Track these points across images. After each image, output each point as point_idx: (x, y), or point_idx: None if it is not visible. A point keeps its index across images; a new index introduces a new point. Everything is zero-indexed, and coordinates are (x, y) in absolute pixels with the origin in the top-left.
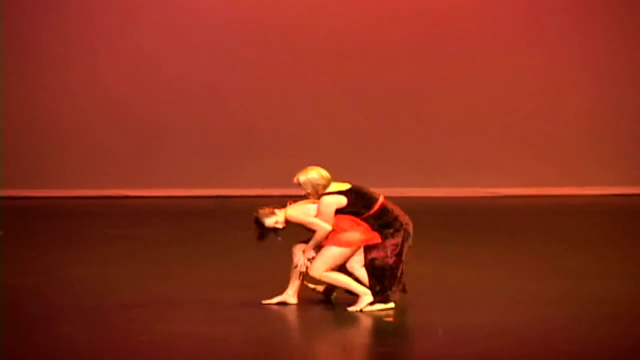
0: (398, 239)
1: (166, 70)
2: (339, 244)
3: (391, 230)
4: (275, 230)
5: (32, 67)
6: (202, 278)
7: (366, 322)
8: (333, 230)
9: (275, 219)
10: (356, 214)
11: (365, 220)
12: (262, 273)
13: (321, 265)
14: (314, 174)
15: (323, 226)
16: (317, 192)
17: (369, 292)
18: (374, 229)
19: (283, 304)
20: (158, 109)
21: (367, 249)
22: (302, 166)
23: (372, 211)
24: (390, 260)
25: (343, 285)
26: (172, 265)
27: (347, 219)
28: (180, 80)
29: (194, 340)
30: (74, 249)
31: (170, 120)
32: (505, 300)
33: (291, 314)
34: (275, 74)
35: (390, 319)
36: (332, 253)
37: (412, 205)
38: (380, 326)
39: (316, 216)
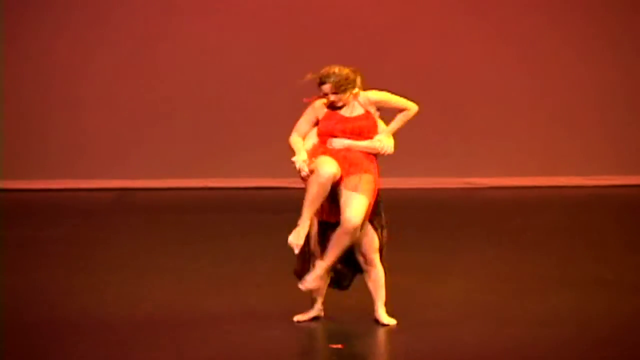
0: None
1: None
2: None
3: None
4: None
5: None
6: (110, 294)
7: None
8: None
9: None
10: None
11: None
12: (175, 288)
13: (361, 213)
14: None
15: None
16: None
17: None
18: None
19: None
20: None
21: None
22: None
23: None
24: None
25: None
26: (75, 277)
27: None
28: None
29: None
30: None
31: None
32: (490, 319)
33: (216, 335)
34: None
35: (339, 346)
36: (366, 201)
37: None
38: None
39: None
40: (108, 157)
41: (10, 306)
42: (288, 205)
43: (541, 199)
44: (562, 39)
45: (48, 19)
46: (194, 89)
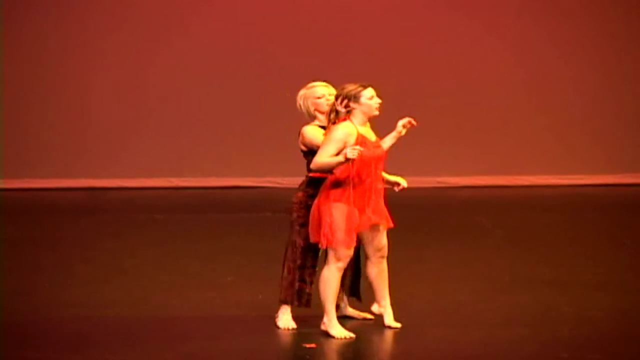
0: None
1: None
2: None
3: None
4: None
5: None
6: (73, 294)
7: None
8: None
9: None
10: None
11: None
12: (147, 288)
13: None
14: None
15: None
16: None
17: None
18: None
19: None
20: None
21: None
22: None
23: None
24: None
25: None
26: (37, 277)
27: None
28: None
29: None
30: None
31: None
32: (465, 321)
33: (187, 335)
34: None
35: (312, 345)
36: None
37: None
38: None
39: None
40: (79, 156)
41: None
42: (259, 204)
43: (512, 198)
44: (543, 40)
45: (47, 21)
46: (170, 91)
